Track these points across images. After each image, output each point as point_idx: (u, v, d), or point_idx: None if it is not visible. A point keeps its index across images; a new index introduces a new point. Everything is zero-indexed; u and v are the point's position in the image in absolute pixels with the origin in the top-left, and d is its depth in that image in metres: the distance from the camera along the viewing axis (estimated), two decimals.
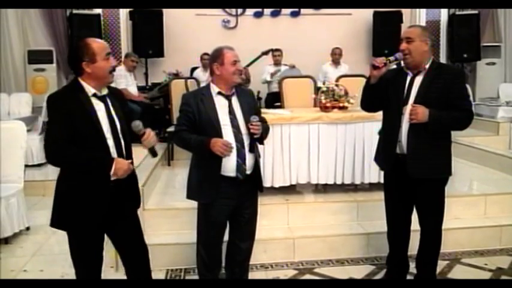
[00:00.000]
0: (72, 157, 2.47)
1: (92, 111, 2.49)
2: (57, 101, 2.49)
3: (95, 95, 2.54)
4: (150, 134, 2.66)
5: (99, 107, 2.53)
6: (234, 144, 2.91)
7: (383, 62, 3.02)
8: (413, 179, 3.07)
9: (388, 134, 3.21)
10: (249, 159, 3.00)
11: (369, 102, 3.28)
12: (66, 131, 2.42)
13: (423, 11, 9.23)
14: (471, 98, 8.08)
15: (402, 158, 3.09)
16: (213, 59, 3.04)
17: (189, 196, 3.13)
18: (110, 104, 2.60)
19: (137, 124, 2.60)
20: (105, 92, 2.60)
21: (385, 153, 3.27)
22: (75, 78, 2.57)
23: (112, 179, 2.52)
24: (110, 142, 2.53)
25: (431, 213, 3.17)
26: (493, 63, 9.19)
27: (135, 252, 2.78)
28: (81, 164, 2.49)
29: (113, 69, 2.60)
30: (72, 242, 2.59)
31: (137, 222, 2.80)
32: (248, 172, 3.01)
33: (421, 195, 3.16)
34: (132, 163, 2.62)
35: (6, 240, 4.28)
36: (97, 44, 2.54)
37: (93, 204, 2.51)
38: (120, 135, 2.59)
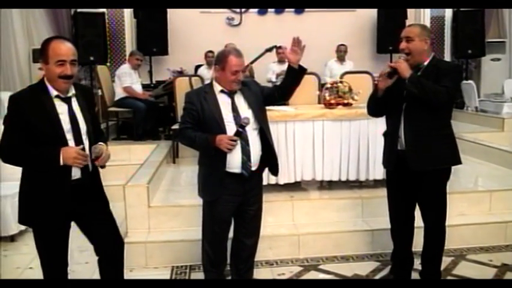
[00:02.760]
0: (22, 156, 2.49)
1: (52, 112, 2.47)
2: (17, 102, 2.48)
3: (58, 96, 2.51)
4: (105, 156, 2.60)
5: (62, 109, 2.51)
6: (238, 142, 2.91)
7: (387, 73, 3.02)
8: (414, 173, 3.07)
9: (390, 133, 3.23)
10: (254, 155, 3.00)
11: (376, 109, 3.32)
12: (20, 132, 2.44)
13: None
14: (473, 96, 8.07)
15: (402, 154, 3.10)
16: (217, 61, 3.04)
17: (199, 193, 3.15)
18: (75, 105, 2.57)
19: (97, 151, 2.55)
20: (71, 93, 2.57)
21: (388, 152, 3.28)
22: (42, 77, 2.54)
23: (73, 178, 2.52)
24: (71, 143, 2.50)
25: (432, 207, 3.17)
26: (498, 59, 9.14)
27: (109, 249, 2.80)
28: (31, 161, 2.51)
29: (66, 77, 2.47)
30: (36, 239, 2.62)
31: (110, 219, 2.80)
32: (253, 168, 3.02)
33: (422, 189, 3.15)
34: (89, 155, 2.55)
35: (12, 238, 4.31)
36: (54, 46, 2.47)
37: (54, 202, 2.51)
38: (84, 137, 2.57)
